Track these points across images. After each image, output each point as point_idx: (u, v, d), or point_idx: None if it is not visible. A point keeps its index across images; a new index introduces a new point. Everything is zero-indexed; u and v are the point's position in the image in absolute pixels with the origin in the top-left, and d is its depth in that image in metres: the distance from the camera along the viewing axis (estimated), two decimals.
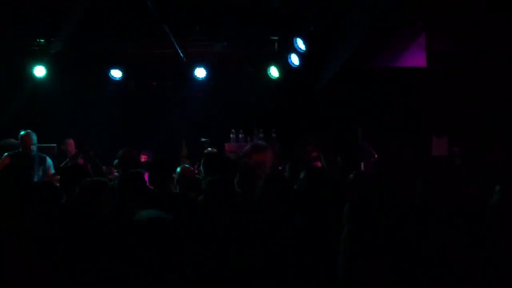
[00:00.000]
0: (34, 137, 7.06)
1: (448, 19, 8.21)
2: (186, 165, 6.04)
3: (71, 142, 8.65)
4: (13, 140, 8.25)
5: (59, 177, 6.50)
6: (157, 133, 9.69)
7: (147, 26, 8.33)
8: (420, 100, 9.09)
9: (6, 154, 7.05)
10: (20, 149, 7.05)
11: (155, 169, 4.99)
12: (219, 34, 8.82)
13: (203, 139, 8.77)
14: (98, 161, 6.07)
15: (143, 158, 7.70)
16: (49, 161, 7.23)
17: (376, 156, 8.28)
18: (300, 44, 8.53)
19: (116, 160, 5.92)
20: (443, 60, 8.84)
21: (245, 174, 4.92)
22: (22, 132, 7.18)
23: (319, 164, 6.80)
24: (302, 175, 4.46)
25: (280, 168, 6.69)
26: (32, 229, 3.79)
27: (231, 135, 9.70)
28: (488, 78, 8.72)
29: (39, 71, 8.98)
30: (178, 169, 5.57)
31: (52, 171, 7.19)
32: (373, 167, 7.97)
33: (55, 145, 8.54)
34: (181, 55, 8.97)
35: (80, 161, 7.94)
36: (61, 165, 7.21)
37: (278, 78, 9.37)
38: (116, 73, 9.34)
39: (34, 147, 7.01)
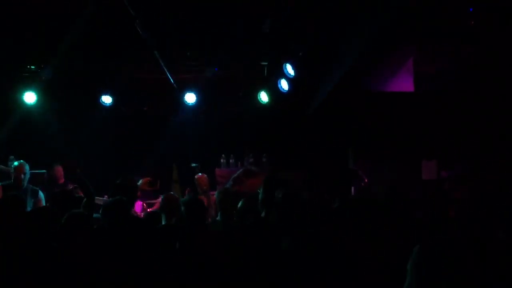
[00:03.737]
0: (27, 168, 7.09)
1: (436, 42, 8.34)
2: (171, 193, 6.08)
3: (59, 168, 8.60)
4: (2, 167, 8.22)
5: None
6: (148, 158, 9.68)
7: (138, 52, 8.37)
8: (409, 124, 9.16)
9: None
10: (12, 180, 7.05)
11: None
12: (209, 59, 8.88)
13: (194, 164, 8.77)
14: (88, 183, 6.03)
15: None
16: (41, 194, 7.23)
17: (366, 180, 8.32)
18: (290, 69, 8.60)
19: None
20: (431, 83, 8.94)
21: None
22: (15, 163, 7.19)
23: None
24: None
25: None
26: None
27: (222, 160, 9.70)
28: (476, 100, 8.82)
29: (29, 97, 8.93)
30: (162, 197, 5.60)
31: (43, 204, 7.17)
32: (363, 191, 8.00)
33: (44, 171, 8.50)
34: (171, 80, 9.01)
35: (70, 186, 7.93)
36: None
37: (268, 103, 9.42)
38: (107, 99, 9.33)
39: (26, 178, 7.04)
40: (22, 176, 7.03)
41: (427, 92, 9.04)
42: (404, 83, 8.89)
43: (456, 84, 8.87)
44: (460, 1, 7.27)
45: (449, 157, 9.09)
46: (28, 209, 6.65)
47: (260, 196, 4.23)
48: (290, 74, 8.65)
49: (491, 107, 8.66)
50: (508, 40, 7.73)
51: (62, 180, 8.54)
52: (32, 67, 8.95)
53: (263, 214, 4.14)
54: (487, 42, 7.90)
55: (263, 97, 9.37)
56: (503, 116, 8.55)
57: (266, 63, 9.18)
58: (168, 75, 8.83)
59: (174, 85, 9.15)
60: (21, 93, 8.93)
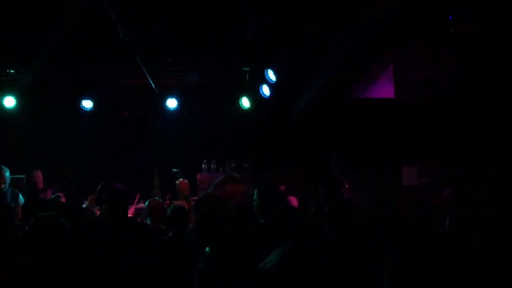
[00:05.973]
0: (7, 173, 7.05)
1: (416, 50, 8.40)
2: (156, 198, 6.05)
3: (39, 173, 8.53)
4: None
5: None
6: (129, 164, 9.62)
7: (119, 56, 8.32)
8: (390, 131, 9.22)
9: None
10: None
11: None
12: (191, 65, 8.87)
13: (175, 170, 8.74)
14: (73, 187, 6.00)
15: None
16: (21, 198, 7.17)
17: (347, 186, 8.34)
18: (271, 75, 8.62)
19: None
20: (411, 90, 9.00)
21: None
22: None
23: (293, 199, 6.85)
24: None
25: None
26: None
27: (203, 166, 9.69)
28: (457, 107, 8.89)
29: (9, 101, 8.86)
30: (147, 203, 5.58)
31: None
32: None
33: (23, 176, 8.42)
34: (153, 85, 8.97)
35: (48, 193, 7.86)
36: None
37: (249, 108, 9.44)
38: (87, 104, 9.28)
39: (6, 183, 7.00)
40: (3, 181, 6.99)
41: (407, 99, 9.10)
42: (385, 90, 8.94)
43: (437, 91, 8.94)
44: (441, 8, 7.34)
45: (430, 164, 9.15)
46: None
47: (255, 205, 4.29)
48: (271, 79, 8.68)
49: (472, 113, 8.75)
50: (489, 46, 7.82)
51: (41, 185, 8.48)
52: (12, 71, 8.86)
53: (262, 221, 4.19)
54: (468, 49, 7.98)
55: (245, 102, 9.40)
56: (484, 123, 8.63)
57: (247, 69, 9.20)
58: (150, 80, 8.80)
59: (156, 90, 9.12)
60: (1, 98, 8.85)
